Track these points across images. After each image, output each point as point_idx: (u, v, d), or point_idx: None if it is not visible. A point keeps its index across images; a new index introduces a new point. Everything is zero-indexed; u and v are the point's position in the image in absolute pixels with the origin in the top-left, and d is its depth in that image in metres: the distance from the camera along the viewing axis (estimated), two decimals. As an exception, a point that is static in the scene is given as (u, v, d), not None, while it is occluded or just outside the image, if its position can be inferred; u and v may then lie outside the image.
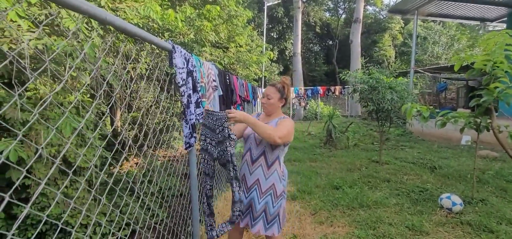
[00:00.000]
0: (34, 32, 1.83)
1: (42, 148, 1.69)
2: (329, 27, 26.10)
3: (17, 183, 0.85)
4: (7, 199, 0.70)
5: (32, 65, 2.13)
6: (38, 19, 1.80)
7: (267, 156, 1.78)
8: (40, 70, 1.09)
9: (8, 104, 1.32)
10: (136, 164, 4.74)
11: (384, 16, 24.19)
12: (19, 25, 1.48)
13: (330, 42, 26.90)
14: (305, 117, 15.56)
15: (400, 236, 2.68)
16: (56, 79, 2.33)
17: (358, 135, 8.81)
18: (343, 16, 26.38)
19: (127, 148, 1.53)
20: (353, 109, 15.69)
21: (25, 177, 2.21)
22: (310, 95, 15.24)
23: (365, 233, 2.73)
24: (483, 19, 10.87)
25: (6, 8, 1.31)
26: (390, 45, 23.33)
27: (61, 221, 1.03)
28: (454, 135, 7.62)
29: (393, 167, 5.10)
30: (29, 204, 0.77)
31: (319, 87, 15.46)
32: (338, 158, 5.95)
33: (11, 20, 1.41)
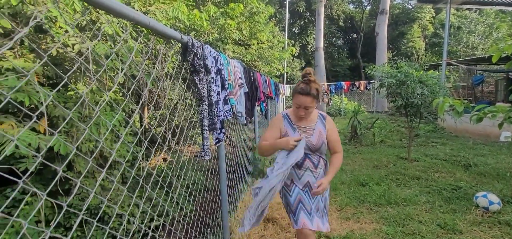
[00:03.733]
0: (77, 36, 1.99)
1: (103, 142, 1.85)
2: (353, 20, 25.26)
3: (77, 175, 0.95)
4: (60, 172, 0.79)
5: (72, 66, 2.33)
6: (80, 25, 1.96)
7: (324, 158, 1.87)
8: (94, 70, 1.21)
9: (80, 101, 1.46)
10: (164, 159, 4.95)
11: (413, 6, 22.89)
12: (66, 30, 1.63)
13: (354, 36, 26.04)
14: (328, 113, 15.28)
15: (431, 234, 2.59)
16: (97, 80, 2.52)
17: (385, 131, 8.51)
18: (368, 7, 25.37)
19: (158, 142, 1.63)
20: (379, 105, 15.14)
21: (68, 169, 2.43)
22: (333, 90, 14.95)
23: (394, 230, 2.67)
24: (526, 5, 9.98)
25: (56, 16, 1.45)
26: (419, 37, 22.05)
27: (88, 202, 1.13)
28: (492, 130, 7.11)
29: (423, 164, 4.89)
30: (79, 181, 0.86)
31: (342, 83, 15.11)
32: (363, 155, 5.81)
33: (60, 27, 1.55)
